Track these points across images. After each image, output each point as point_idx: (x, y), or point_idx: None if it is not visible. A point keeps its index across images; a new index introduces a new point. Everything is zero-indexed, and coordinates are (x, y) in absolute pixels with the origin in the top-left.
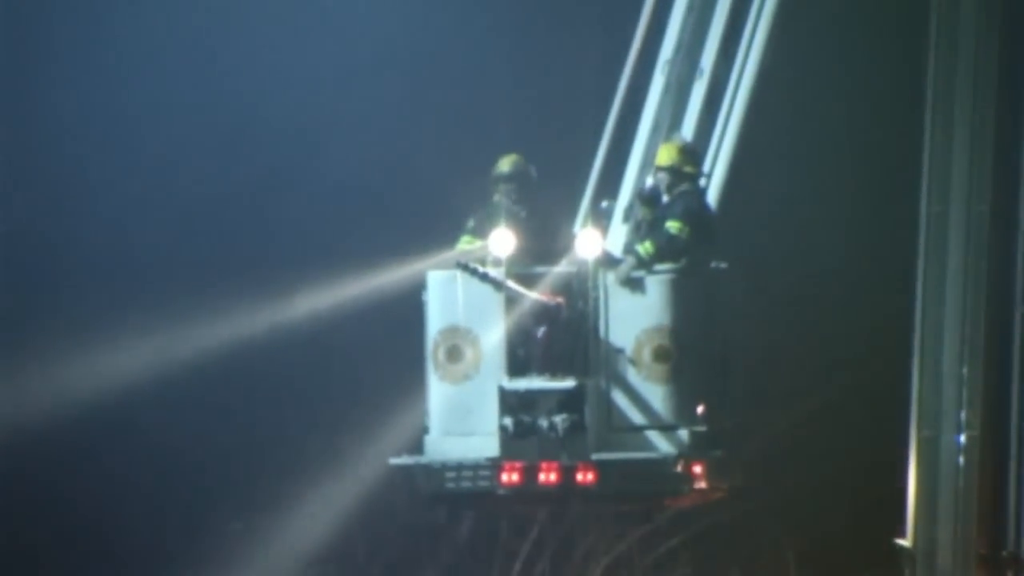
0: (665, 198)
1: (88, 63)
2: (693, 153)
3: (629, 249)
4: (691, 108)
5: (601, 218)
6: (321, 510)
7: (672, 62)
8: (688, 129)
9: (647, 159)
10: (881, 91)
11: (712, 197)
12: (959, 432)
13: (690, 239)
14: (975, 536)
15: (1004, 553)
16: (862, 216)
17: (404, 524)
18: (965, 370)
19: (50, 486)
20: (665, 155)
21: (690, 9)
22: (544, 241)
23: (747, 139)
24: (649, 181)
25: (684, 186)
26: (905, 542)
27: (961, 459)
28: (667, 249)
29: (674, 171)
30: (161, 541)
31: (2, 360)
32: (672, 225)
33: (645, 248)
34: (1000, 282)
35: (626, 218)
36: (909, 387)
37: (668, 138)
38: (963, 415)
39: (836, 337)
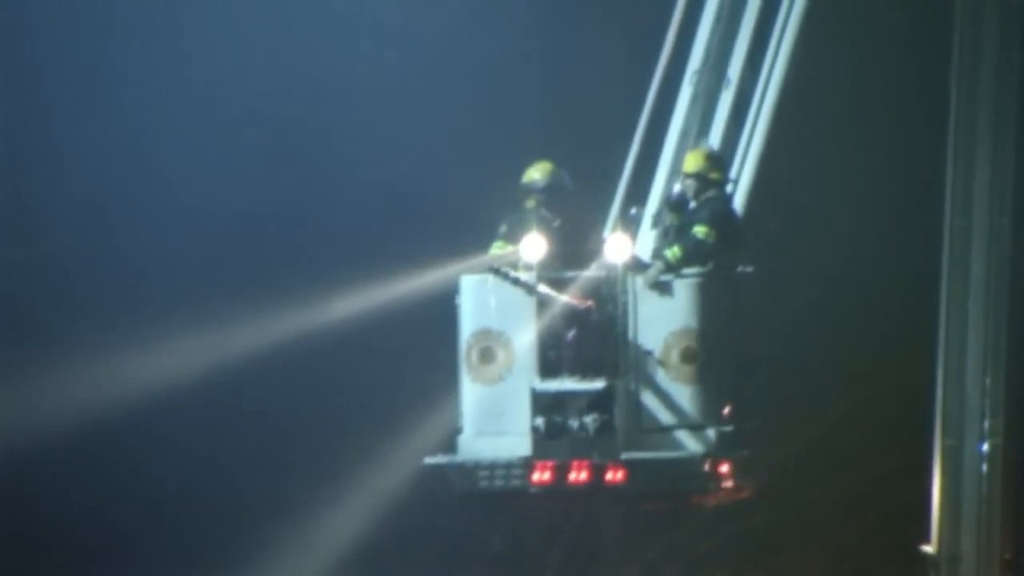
0: (692, 204)
1: (119, 69)
2: (719, 160)
3: (657, 254)
4: (718, 117)
5: (630, 224)
6: (357, 508)
7: (700, 72)
8: (715, 137)
9: (675, 166)
10: (905, 102)
11: (738, 204)
12: (982, 440)
13: (717, 244)
14: (999, 542)
15: None
16: (886, 225)
17: (439, 524)
18: (988, 380)
19: (88, 491)
20: (692, 162)
21: (717, 21)
22: (574, 246)
23: (772, 148)
24: (677, 188)
25: (711, 192)
26: (929, 548)
27: (984, 467)
28: (694, 253)
29: (701, 177)
30: (194, 544)
31: (30, 365)
32: (699, 230)
33: (673, 253)
34: (1022, 293)
35: (654, 224)
36: (931, 396)
37: (695, 145)
38: (986, 424)
39: (859, 346)
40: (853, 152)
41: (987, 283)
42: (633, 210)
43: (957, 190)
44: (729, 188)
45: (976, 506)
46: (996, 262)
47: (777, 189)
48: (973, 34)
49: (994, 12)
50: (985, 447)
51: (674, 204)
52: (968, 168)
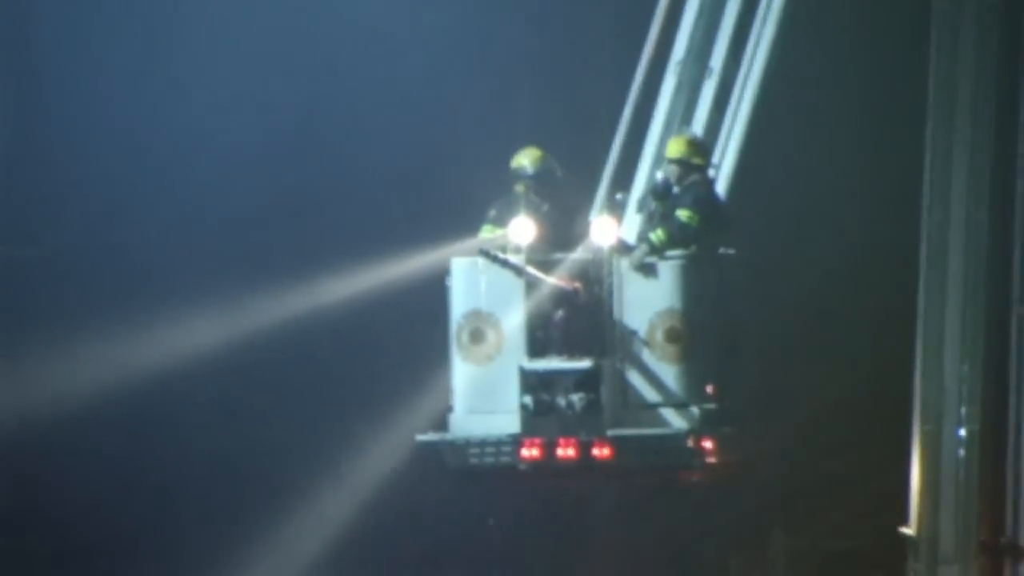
0: (676, 189)
1: (125, 53)
2: (701, 145)
3: (643, 237)
4: (701, 106)
5: (616, 209)
6: (352, 485)
7: (683, 62)
8: (698, 126)
9: (659, 153)
10: (887, 92)
11: (721, 190)
12: (960, 426)
13: (700, 227)
14: (975, 524)
15: (1003, 540)
16: (870, 213)
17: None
18: (966, 368)
19: (90, 478)
20: (675, 148)
21: (700, 13)
22: (562, 229)
23: (754, 138)
24: (660, 175)
25: (693, 177)
26: (909, 530)
27: (962, 452)
28: (679, 236)
29: (683, 163)
30: (190, 526)
31: (32, 353)
32: (683, 214)
33: (658, 236)
34: (998, 285)
35: (640, 208)
36: (912, 384)
37: (677, 132)
38: (964, 410)
39: (844, 334)
40: (833, 144)
41: (965, 274)
42: (619, 196)
43: (935, 183)
44: (712, 173)
45: (954, 490)
46: (973, 254)
47: (758, 178)
48: (950, 27)
49: (971, 6)
50: (963, 433)
51: (659, 191)
52: (946, 161)
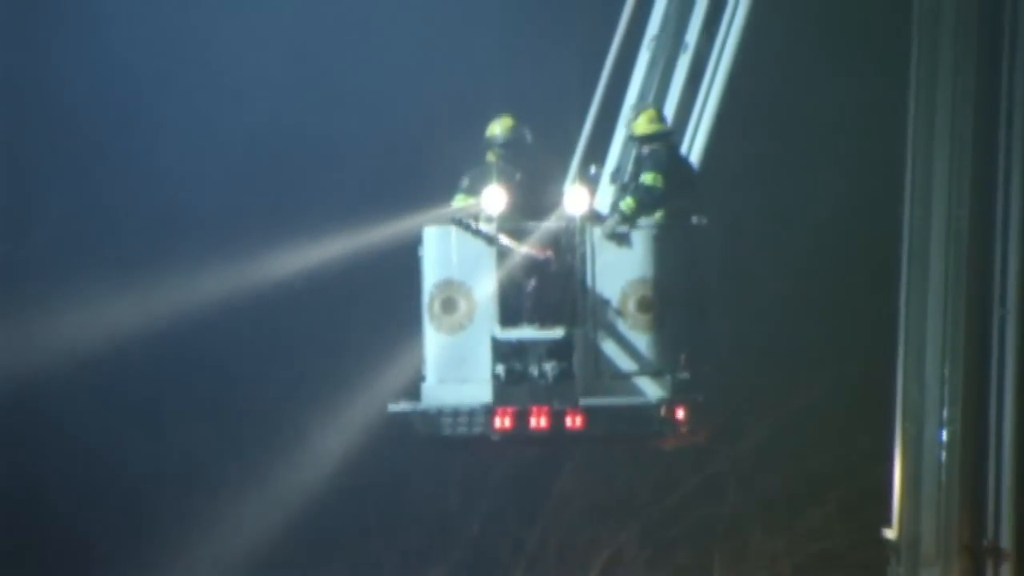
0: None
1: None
2: (661, 115)
3: (614, 207)
4: (675, 81)
5: (589, 182)
6: (324, 452)
7: (658, 38)
8: (672, 101)
9: (629, 130)
10: (860, 73)
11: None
12: (941, 428)
13: (666, 187)
14: (957, 526)
15: (984, 542)
16: (844, 198)
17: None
18: (947, 369)
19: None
20: (643, 126)
21: None
22: (535, 199)
23: (726, 114)
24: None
25: (655, 144)
26: (890, 532)
27: (943, 453)
28: (647, 200)
29: (647, 137)
30: (161, 483)
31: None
32: (647, 177)
33: (627, 204)
34: (979, 286)
35: (612, 179)
36: (893, 385)
37: (640, 108)
38: (945, 412)
39: (825, 334)
40: (807, 127)
41: (945, 276)
42: (592, 169)
43: (916, 182)
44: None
45: (935, 491)
46: (954, 253)
47: (730, 152)
48: (931, 24)
49: (951, 6)
50: (944, 434)
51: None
52: (927, 161)
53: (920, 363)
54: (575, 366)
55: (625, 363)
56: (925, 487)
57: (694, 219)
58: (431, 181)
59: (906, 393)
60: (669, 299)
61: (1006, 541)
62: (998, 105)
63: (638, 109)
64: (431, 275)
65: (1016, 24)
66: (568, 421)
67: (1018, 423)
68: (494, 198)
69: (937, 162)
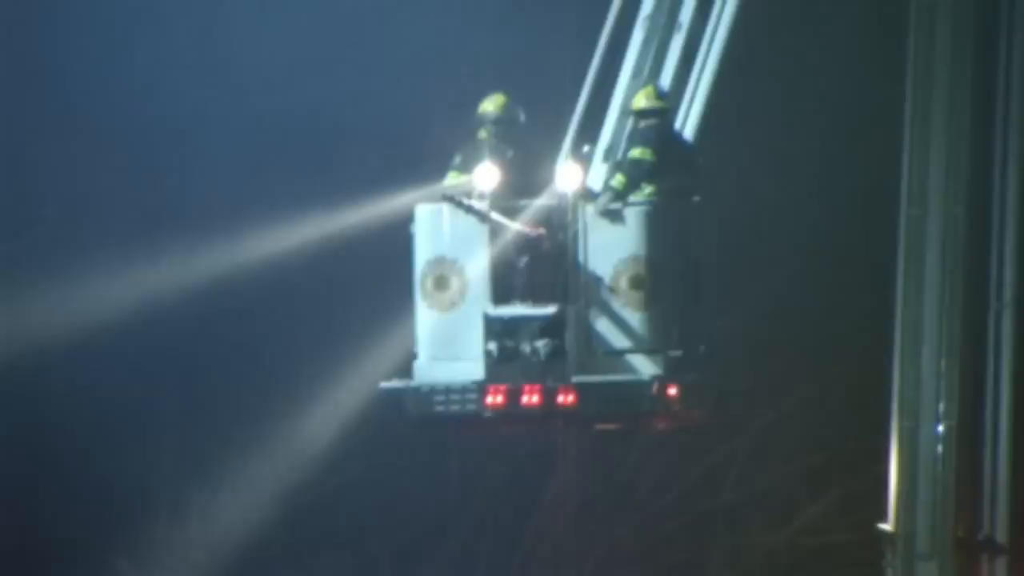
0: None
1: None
2: (662, 92)
3: (606, 185)
4: (669, 60)
5: (582, 160)
6: (317, 430)
7: (652, 17)
8: (666, 80)
9: (626, 106)
10: (849, 56)
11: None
12: (938, 422)
13: (655, 161)
14: (953, 520)
15: (980, 536)
16: (841, 203)
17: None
18: (943, 364)
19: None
20: (638, 100)
21: None
22: (527, 176)
23: (719, 94)
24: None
25: (649, 120)
26: (887, 526)
27: (940, 448)
28: (636, 175)
29: (644, 112)
30: (153, 459)
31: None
32: (634, 151)
33: (618, 180)
34: (975, 281)
35: (606, 158)
36: (889, 380)
37: (643, 84)
38: (941, 406)
39: (822, 329)
40: (801, 122)
41: (942, 271)
42: (585, 148)
43: (912, 179)
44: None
45: (931, 485)
46: (950, 250)
47: (724, 136)
48: (928, 20)
49: (948, 1)
50: (940, 429)
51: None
52: (923, 157)
53: (916, 358)
54: (567, 343)
55: (617, 340)
56: (921, 481)
57: (696, 198)
58: (423, 158)
59: (902, 387)
60: (662, 277)
61: (1001, 535)
62: (994, 101)
63: (637, 85)
64: (423, 253)
65: (1012, 21)
66: (560, 398)
67: (1014, 418)
68: (486, 175)
69: (934, 158)
